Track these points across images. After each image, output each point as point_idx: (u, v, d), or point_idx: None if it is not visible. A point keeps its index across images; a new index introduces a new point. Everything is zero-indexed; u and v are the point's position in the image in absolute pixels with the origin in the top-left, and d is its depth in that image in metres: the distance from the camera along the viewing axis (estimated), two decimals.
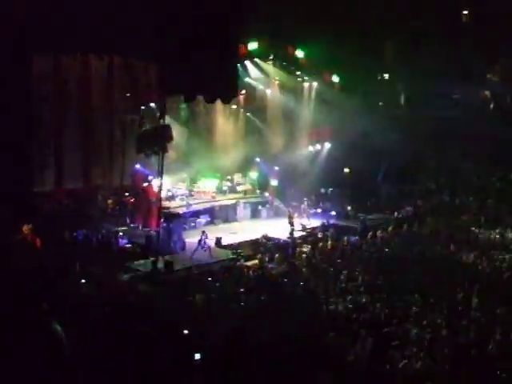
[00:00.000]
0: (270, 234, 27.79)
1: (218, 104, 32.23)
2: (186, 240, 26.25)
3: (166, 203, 28.54)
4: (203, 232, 25.54)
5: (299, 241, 27.76)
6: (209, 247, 25.15)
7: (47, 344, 4.82)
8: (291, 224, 28.59)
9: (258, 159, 35.45)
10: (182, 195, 31.23)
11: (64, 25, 23.20)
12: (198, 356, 10.86)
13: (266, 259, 24.12)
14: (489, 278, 20.38)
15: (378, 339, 13.83)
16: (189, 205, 30.18)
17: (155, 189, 26.80)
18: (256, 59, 33.09)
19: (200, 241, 24.94)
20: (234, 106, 34.53)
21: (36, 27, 23.00)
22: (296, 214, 30.88)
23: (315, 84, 36.54)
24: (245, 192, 34.23)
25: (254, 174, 35.11)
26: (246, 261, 24.31)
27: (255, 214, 33.40)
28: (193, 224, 29.62)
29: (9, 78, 22.46)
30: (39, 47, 24.95)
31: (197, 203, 31.18)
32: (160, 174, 24.11)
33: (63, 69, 26.74)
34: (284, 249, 25.99)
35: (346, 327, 14.96)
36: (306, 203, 33.04)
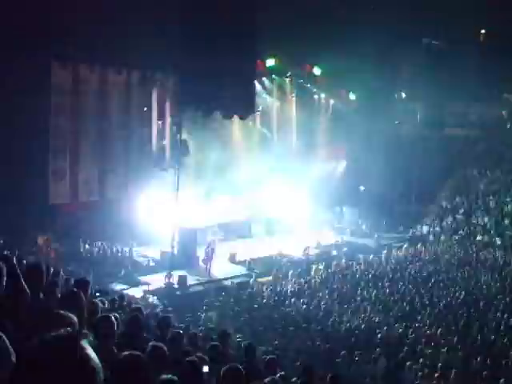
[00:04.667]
0: (285, 251, 27.71)
1: (235, 119, 32.37)
2: (200, 255, 26.25)
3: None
4: (211, 242, 25.56)
5: (313, 258, 27.66)
6: (211, 258, 25.08)
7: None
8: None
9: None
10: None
11: (83, 38, 23.56)
12: (206, 368, 10.75)
13: (280, 276, 24.04)
14: (504, 300, 20.14)
15: (390, 359, 13.74)
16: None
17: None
18: (273, 76, 33.25)
19: (207, 251, 24.96)
20: (251, 122, 34.55)
21: (56, 39, 23.33)
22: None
23: (332, 101, 36.61)
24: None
25: None
26: (259, 277, 24.28)
27: (270, 231, 33.22)
28: (207, 240, 29.48)
29: (28, 88, 22.74)
30: (58, 59, 25.29)
31: (211, 218, 31.09)
32: (176, 188, 24.23)
33: (81, 81, 26.98)
34: (298, 266, 25.89)
35: (360, 346, 14.89)
36: None
